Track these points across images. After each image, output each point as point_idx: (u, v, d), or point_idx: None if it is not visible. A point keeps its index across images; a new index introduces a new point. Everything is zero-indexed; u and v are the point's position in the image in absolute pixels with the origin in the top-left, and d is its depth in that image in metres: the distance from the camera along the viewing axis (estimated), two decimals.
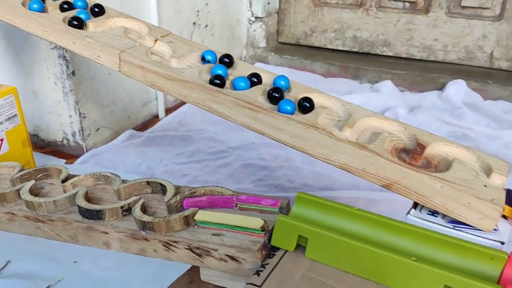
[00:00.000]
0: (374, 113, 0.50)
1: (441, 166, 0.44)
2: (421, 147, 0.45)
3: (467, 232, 0.40)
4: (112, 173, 0.53)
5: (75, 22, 0.54)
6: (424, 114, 1.12)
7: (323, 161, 0.44)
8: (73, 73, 0.88)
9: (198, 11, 1.20)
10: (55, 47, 0.86)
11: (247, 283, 0.38)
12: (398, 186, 0.42)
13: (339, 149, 0.43)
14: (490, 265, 0.36)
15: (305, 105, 0.47)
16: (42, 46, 0.88)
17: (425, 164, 0.44)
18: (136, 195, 0.49)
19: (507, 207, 0.41)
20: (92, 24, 0.56)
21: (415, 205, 0.43)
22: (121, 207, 0.46)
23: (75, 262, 0.71)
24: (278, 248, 0.41)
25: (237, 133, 1.06)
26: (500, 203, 0.39)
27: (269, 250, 0.42)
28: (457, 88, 1.21)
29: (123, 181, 0.52)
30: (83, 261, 0.71)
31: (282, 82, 0.50)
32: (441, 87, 1.24)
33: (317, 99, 0.50)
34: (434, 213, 0.42)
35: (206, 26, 1.25)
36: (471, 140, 1.01)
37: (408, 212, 0.42)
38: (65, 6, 0.58)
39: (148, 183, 0.51)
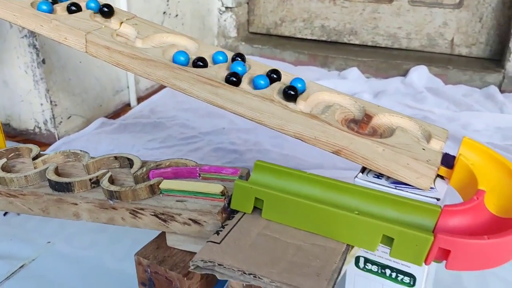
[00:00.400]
0: (327, 88, 0.53)
1: (386, 134, 0.48)
2: (368, 117, 0.49)
3: (407, 191, 0.44)
4: (81, 150, 0.56)
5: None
6: (388, 98, 1.17)
7: (278, 131, 0.48)
8: (43, 61, 0.90)
9: (168, 0, 1.22)
10: (25, 35, 0.87)
11: (207, 241, 0.41)
12: (346, 152, 0.46)
13: (293, 120, 0.47)
14: (425, 218, 0.40)
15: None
16: (12, 35, 0.89)
17: (371, 133, 0.48)
18: (105, 170, 0.52)
19: (443, 168, 0.45)
20: (59, 8, 0.58)
21: (363, 170, 0.47)
22: (90, 180, 0.49)
23: (49, 242, 0.73)
24: (237, 211, 0.45)
25: (207, 119, 1.09)
26: (436, 163, 0.43)
27: (229, 213, 0.45)
28: (420, 74, 1.26)
29: (92, 158, 0.54)
30: (57, 242, 0.74)
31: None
32: (404, 73, 1.29)
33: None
34: (379, 176, 0.46)
35: (177, 15, 1.27)
36: (431, 121, 1.06)
37: (356, 176, 0.46)
38: None
39: (115, 158, 0.54)
